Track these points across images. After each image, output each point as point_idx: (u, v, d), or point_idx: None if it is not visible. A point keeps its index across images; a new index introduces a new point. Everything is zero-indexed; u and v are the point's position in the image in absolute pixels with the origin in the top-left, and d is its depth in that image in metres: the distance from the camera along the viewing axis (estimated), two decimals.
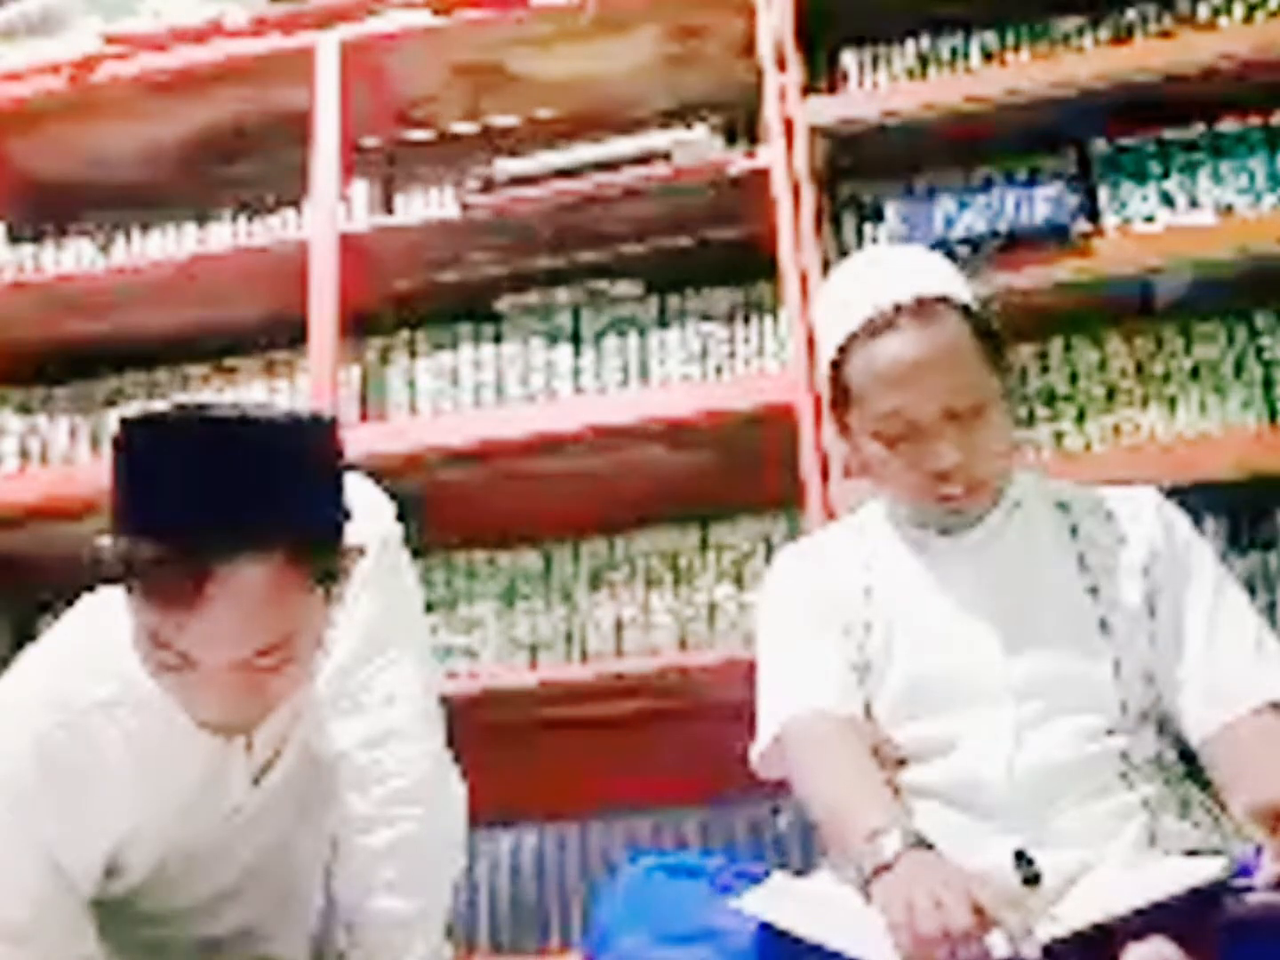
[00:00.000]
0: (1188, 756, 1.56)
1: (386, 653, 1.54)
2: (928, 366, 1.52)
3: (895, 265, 1.64)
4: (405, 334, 2.68)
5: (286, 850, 1.56)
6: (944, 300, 1.56)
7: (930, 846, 1.35)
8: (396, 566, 1.59)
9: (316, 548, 1.28)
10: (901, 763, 1.54)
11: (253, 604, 1.23)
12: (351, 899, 1.47)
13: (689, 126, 2.59)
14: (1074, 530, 1.61)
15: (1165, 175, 2.43)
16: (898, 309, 1.55)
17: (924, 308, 1.55)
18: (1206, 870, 1.25)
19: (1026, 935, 1.22)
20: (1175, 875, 1.27)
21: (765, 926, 1.29)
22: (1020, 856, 1.40)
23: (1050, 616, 1.56)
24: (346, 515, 1.32)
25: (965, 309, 1.58)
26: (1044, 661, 1.53)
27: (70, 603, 1.53)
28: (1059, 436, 2.37)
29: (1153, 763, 1.52)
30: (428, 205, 2.76)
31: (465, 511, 2.62)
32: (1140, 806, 1.47)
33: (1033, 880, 1.38)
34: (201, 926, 1.56)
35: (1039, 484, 1.69)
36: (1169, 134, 2.44)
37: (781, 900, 1.33)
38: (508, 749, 2.51)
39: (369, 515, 1.48)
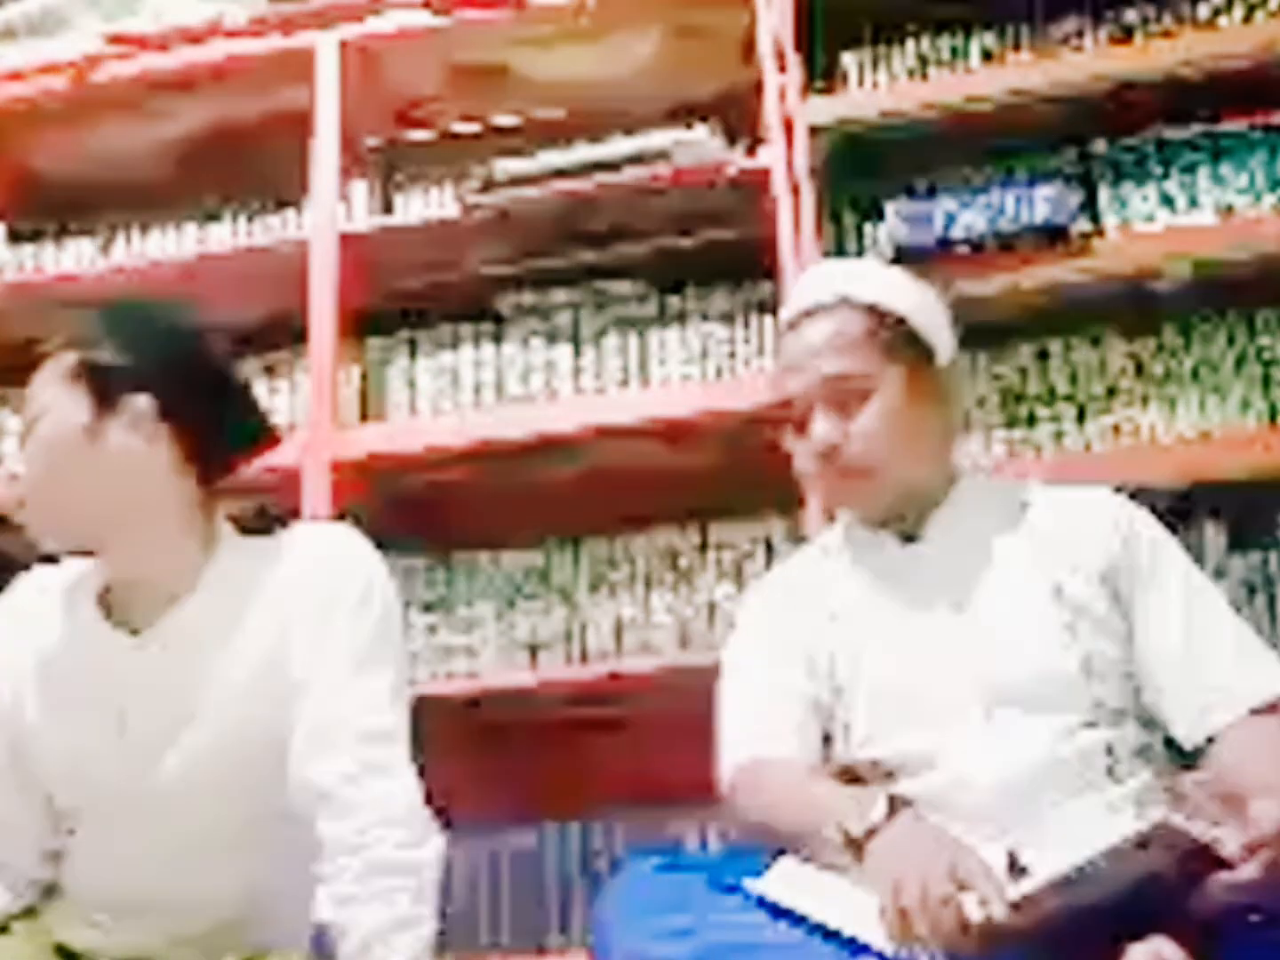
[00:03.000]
0: (1176, 746, 1.56)
1: (366, 686, 1.54)
2: (811, 353, 1.65)
3: (820, 274, 1.77)
4: (405, 334, 2.68)
5: (244, 836, 1.56)
6: (846, 300, 1.66)
7: (911, 805, 1.39)
8: (374, 605, 1.59)
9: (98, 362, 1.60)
10: (889, 775, 1.54)
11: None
12: (329, 914, 1.48)
13: (689, 126, 2.58)
14: (1033, 534, 1.63)
15: (1165, 175, 2.43)
16: (805, 312, 1.68)
17: (825, 307, 1.67)
18: (1153, 817, 1.25)
19: (996, 896, 1.23)
20: (1127, 825, 1.28)
21: (765, 921, 1.30)
22: (1012, 862, 1.39)
23: (1014, 619, 1.56)
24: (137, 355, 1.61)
25: (875, 309, 1.65)
26: (1013, 663, 1.53)
27: None
28: (1059, 436, 2.37)
29: (1139, 755, 1.52)
30: (428, 205, 2.76)
31: (465, 511, 2.63)
32: (1129, 799, 1.47)
33: None
34: (177, 923, 1.57)
35: (993, 487, 1.73)
36: (1169, 134, 2.44)
37: (792, 884, 1.34)
38: (508, 749, 2.51)
39: (351, 557, 1.63)
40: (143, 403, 1.57)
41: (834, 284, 1.69)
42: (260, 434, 1.70)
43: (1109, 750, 1.50)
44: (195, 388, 1.61)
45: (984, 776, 1.48)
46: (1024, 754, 1.48)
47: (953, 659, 1.55)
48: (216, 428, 1.63)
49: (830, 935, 1.29)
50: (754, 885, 1.34)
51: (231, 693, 1.55)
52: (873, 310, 1.65)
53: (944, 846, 1.31)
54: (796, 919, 1.30)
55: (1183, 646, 1.55)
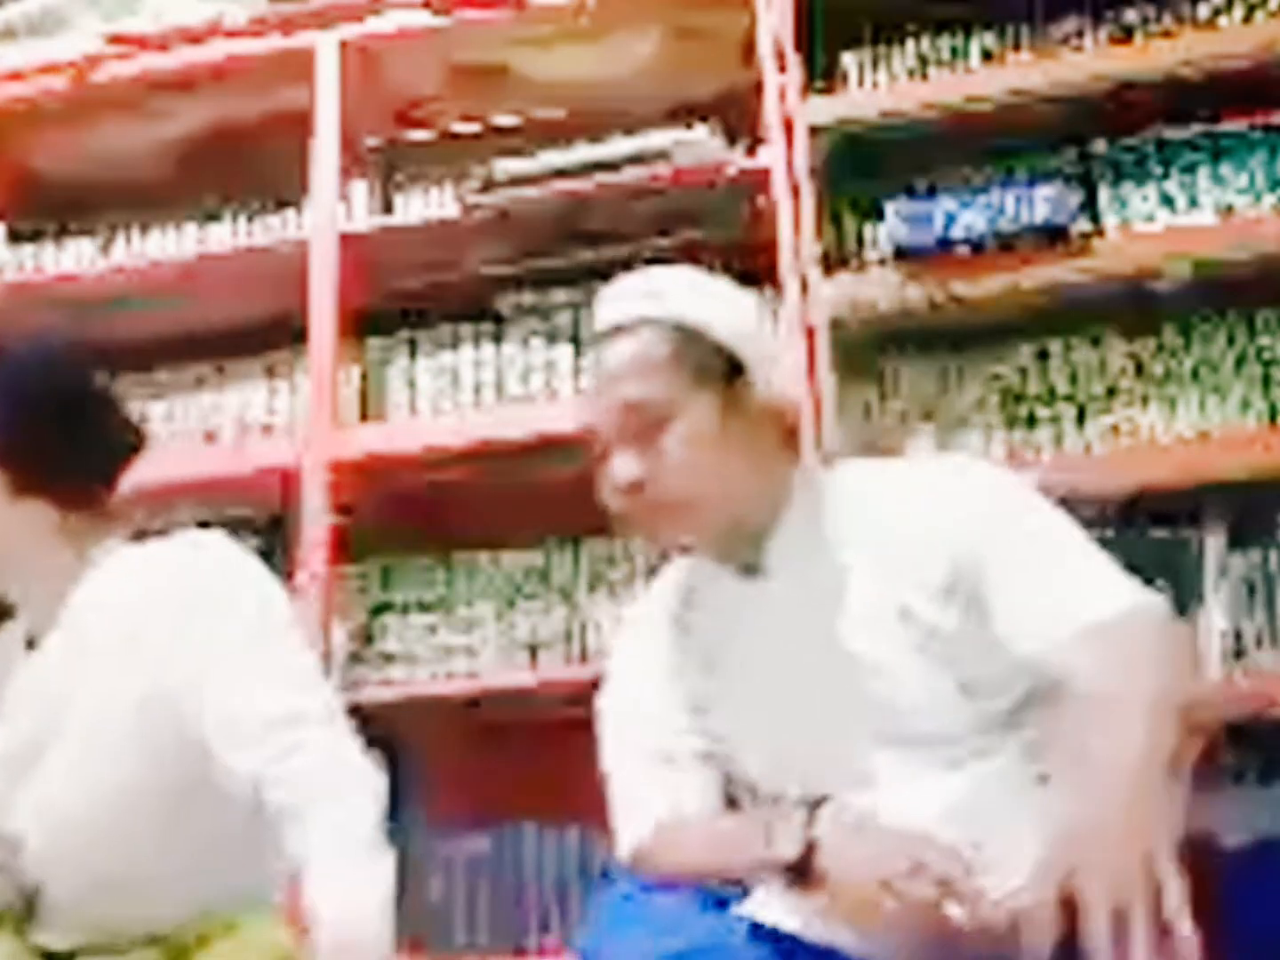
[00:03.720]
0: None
1: (259, 679, 1.54)
2: (610, 378, 1.50)
3: (623, 289, 1.57)
4: (405, 334, 2.68)
5: (168, 837, 1.57)
6: (650, 319, 1.50)
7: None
8: (241, 605, 1.58)
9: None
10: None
11: None
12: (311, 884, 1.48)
13: (689, 126, 2.59)
14: (876, 543, 1.47)
15: (1165, 175, 2.43)
16: (607, 332, 1.53)
17: (627, 327, 1.51)
18: None
19: (979, 898, 1.21)
20: None
21: (756, 942, 1.29)
22: None
23: (876, 651, 1.44)
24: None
25: (682, 328, 1.50)
26: (891, 697, 1.42)
27: None
28: (1059, 436, 2.37)
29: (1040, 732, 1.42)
30: (428, 205, 2.76)
31: (465, 511, 2.62)
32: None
33: None
34: (129, 918, 1.58)
35: (829, 495, 1.54)
36: (1169, 134, 2.45)
37: (780, 903, 1.33)
38: (508, 749, 2.51)
39: (207, 565, 1.61)
40: None
41: (638, 301, 1.53)
42: (123, 450, 1.70)
43: (1019, 759, 1.40)
44: (15, 425, 1.63)
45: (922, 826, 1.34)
46: (944, 792, 1.38)
47: (831, 707, 1.44)
48: (54, 456, 1.63)
49: (822, 952, 1.27)
50: (743, 907, 1.31)
51: (97, 715, 1.57)
52: (680, 329, 1.49)
53: (894, 844, 1.27)
54: (785, 937, 1.29)
55: (1045, 612, 1.37)
